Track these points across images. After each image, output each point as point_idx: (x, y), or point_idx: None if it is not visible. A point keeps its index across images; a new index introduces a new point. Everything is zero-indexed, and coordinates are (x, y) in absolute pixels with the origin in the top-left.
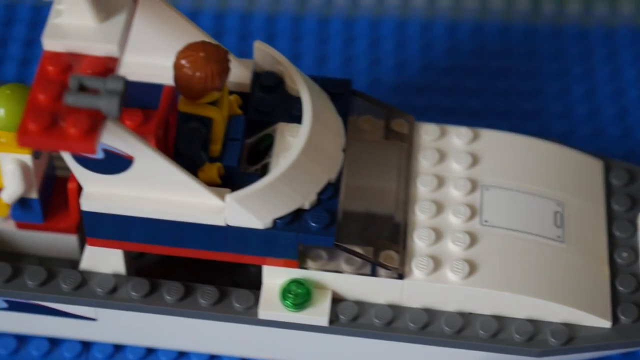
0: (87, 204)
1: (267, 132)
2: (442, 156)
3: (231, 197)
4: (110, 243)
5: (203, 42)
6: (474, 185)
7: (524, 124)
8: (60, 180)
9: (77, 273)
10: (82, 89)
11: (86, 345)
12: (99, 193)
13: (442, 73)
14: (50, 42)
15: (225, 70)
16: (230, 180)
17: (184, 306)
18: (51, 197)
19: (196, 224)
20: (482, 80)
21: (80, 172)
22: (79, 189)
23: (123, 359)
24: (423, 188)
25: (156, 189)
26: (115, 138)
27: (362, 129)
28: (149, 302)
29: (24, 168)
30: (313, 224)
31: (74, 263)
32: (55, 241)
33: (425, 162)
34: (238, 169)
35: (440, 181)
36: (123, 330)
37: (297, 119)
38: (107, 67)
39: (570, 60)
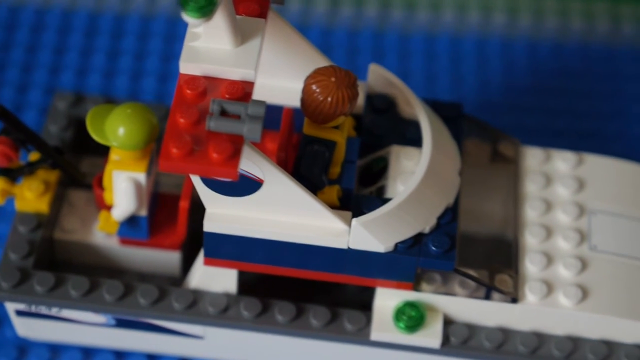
0: (210, 225)
1: (381, 155)
2: (548, 180)
3: (357, 222)
4: (228, 263)
5: (333, 67)
6: (581, 210)
7: (608, 146)
8: (161, 197)
9: (189, 292)
10: (223, 113)
11: None
12: (222, 214)
13: (523, 93)
14: (187, 66)
15: (355, 95)
16: (346, 202)
17: (296, 327)
18: (155, 214)
19: (317, 247)
20: (564, 101)
21: (205, 194)
22: (190, 208)
23: None
24: (532, 212)
25: (281, 211)
26: (250, 162)
27: (469, 152)
28: (261, 322)
29: (137, 186)
30: (434, 248)
31: (174, 280)
32: (158, 258)
33: (532, 186)
34: (354, 191)
35: (548, 205)
36: (230, 349)
37: (411, 142)
38: (245, 91)
39: None
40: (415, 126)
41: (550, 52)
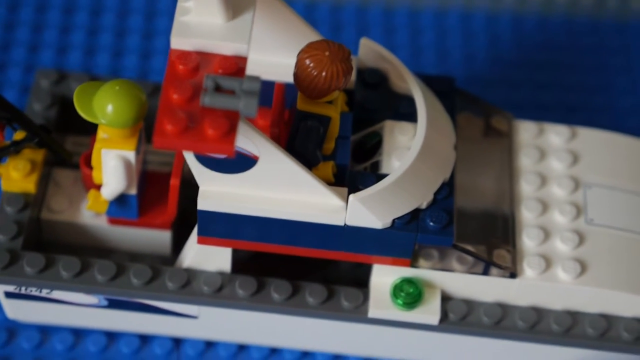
0: (204, 203)
1: (374, 130)
2: (542, 154)
3: (354, 198)
4: (222, 242)
5: (326, 41)
6: (576, 184)
7: (595, 119)
8: (149, 175)
9: (182, 271)
10: (218, 89)
11: (177, 342)
12: (216, 192)
13: (509, 67)
14: (178, 41)
15: (350, 69)
16: (341, 178)
17: (292, 305)
18: (144, 192)
19: (313, 224)
20: (550, 74)
21: (199, 171)
22: (181, 186)
23: (215, 356)
24: (527, 186)
25: (277, 188)
26: (245, 138)
27: (462, 127)
28: (257, 300)
29: (126, 164)
30: (432, 224)
31: (164, 259)
32: (148, 237)
33: (527, 160)
34: (348, 167)
35: (543, 179)
36: (224, 328)
37: (404, 117)
38: (238, 66)
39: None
40: (408, 101)
41: (535, 26)
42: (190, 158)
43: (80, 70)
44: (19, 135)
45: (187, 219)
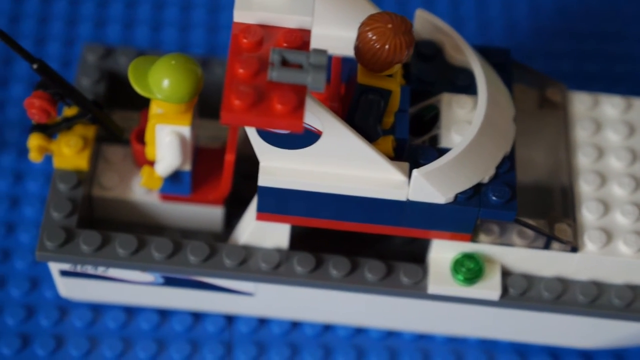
0: (265, 179)
1: (431, 103)
2: (598, 126)
3: (418, 173)
4: (281, 218)
5: (388, 14)
6: (634, 156)
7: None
8: (200, 151)
9: (240, 248)
10: (284, 63)
11: (229, 319)
12: (277, 168)
13: (554, 37)
14: (242, 14)
15: (412, 42)
16: (400, 152)
17: (351, 281)
18: (195, 168)
19: (375, 199)
20: (594, 44)
21: (260, 147)
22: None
23: (268, 333)
24: (584, 159)
25: (339, 164)
26: (310, 113)
27: (516, 99)
28: (315, 277)
29: (182, 140)
30: (494, 198)
31: (216, 236)
32: (199, 214)
33: (583, 133)
34: (407, 141)
35: (600, 152)
36: (280, 305)
37: (461, 89)
38: (303, 40)
39: None
40: (464, 73)
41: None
42: (252, 133)
43: (119, 43)
44: (69, 111)
45: (235, 194)
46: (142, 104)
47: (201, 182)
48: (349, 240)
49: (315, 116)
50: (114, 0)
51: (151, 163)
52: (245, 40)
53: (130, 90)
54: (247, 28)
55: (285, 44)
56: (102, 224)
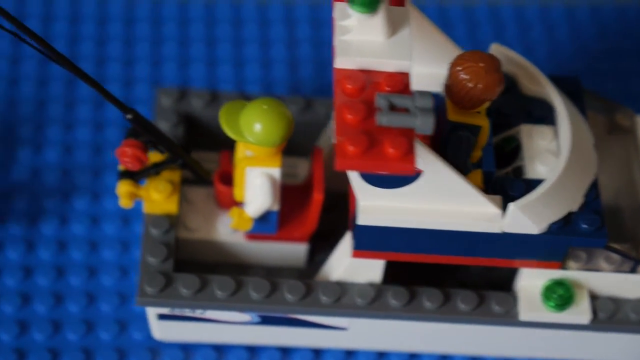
0: (365, 218)
1: (510, 134)
2: None
3: (515, 205)
4: (377, 254)
5: (478, 52)
6: None
7: None
8: (283, 189)
9: (335, 285)
10: (392, 107)
11: (317, 353)
12: (376, 206)
13: (593, 58)
14: (343, 60)
15: (502, 79)
16: (486, 185)
17: (444, 312)
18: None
19: (469, 232)
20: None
21: (361, 187)
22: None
23: None
24: None
25: (437, 200)
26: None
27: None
28: (409, 310)
29: (272, 182)
30: (585, 226)
31: (299, 271)
32: (284, 251)
33: None
34: (494, 174)
35: None
36: (372, 338)
37: (538, 120)
38: (404, 83)
39: None
40: (540, 103)
41: (613, 14)
42: (353, 175)
43: (176, 83)
44: (155, 156)
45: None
46: (216, 145)
47: (285, 219)
48: (428, 270)
49: (420, 156)
50: (168, 40)
51: (235, 203)
52: (349, 86)
53: (205, 131)
54: (349, 74)
55: (387, 88)
56: (186, 265)
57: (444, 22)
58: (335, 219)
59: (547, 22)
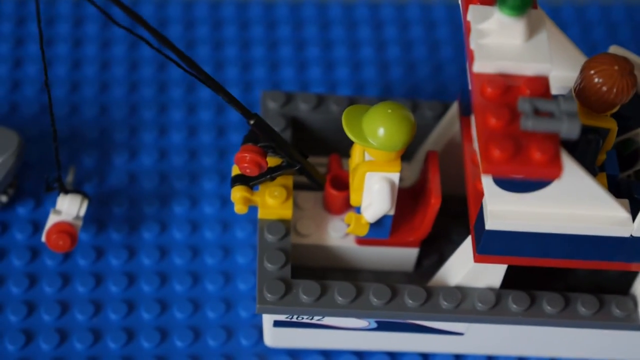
0: (494, 222)
1: (629, 137)
2: None
3: None
4: (500, 259)
5: (611, 55)
6: None
7: None
8: None
9: (455, 290)
10: (536, 112)
11: (424, 357)
12: (505, 211)
13: None
14: (482, 64)
15: (636, 82)
16: (610, 188)
17: (565, 317)
18: None
19: (596, 236)
20: None
21: (493, 192)
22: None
23: None
24: None
25: (567, 204)
26: None
27: None
28: (531, 314)
29: (391, 186)
30: None
31: (407, 275)
32: (395, 255)
33: None
34: (617, 177)
35: None
36: (489, 343)
37: None
38: (544, 87)
39: None
40: None
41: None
42: (486, 180)
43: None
44: (271, 162)
45: None
46: (320, 148)
47: (396, 224)
48: (534, 272)
49: None
50: (257, 43)
51: (345, 208)
52: (489, 90)
53: (311, 135)
54: (491, 78)
55: (529, 92)
56: (298, 271)
57: None
58: (436, 222)
59: None
